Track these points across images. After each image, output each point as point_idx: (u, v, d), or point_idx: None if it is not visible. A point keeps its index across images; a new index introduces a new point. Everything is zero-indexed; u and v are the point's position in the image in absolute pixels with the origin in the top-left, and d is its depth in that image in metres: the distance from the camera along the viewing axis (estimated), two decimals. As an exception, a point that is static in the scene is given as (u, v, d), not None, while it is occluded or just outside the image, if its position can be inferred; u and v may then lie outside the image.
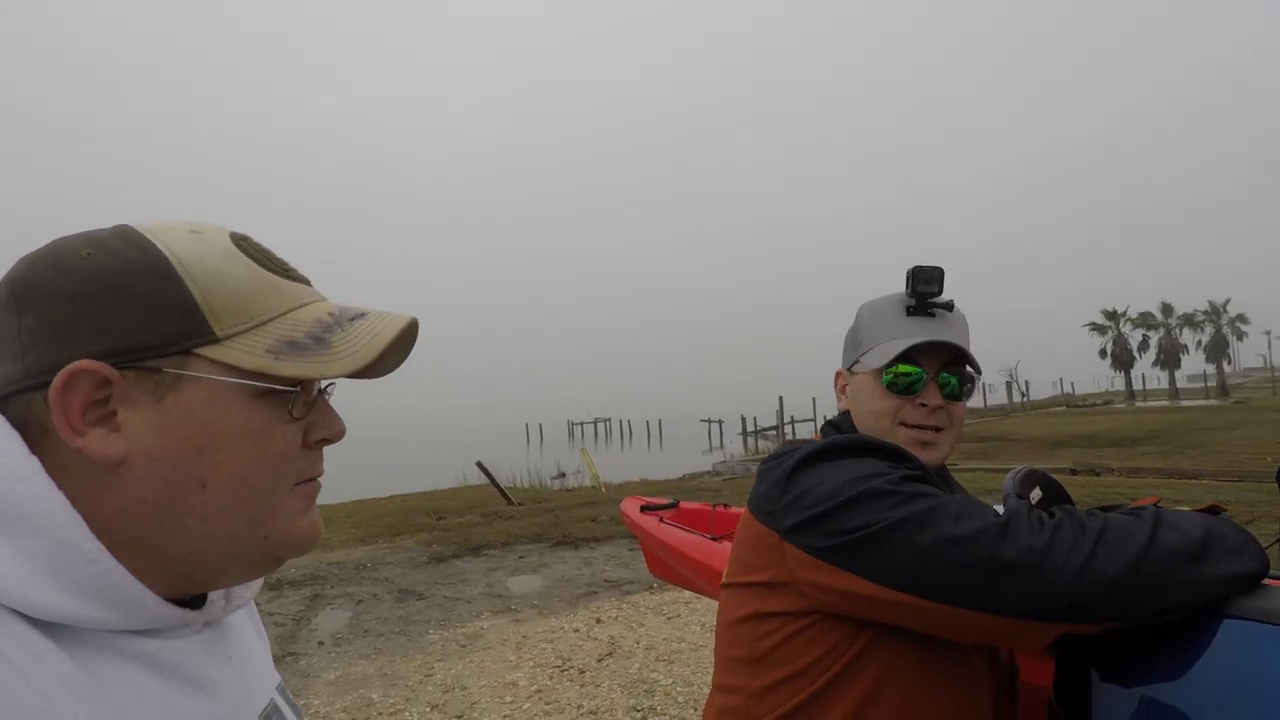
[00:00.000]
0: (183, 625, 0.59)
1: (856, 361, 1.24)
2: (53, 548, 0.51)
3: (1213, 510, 0.96)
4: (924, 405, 1.15)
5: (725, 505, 3.06)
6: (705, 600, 6.07)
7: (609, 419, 70.72)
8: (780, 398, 31.22)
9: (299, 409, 0.60)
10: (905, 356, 1.14)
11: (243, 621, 0.71)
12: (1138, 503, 0.98)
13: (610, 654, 5.09)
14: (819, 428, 1.34)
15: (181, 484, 0.56)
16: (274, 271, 0.62)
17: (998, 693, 1.09)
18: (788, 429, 33.41)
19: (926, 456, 1.15)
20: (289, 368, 0.57)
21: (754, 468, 19.03)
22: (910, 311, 1.18)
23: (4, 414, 0.55)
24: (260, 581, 0.69)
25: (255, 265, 0.61)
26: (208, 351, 0.56)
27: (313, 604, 6.56)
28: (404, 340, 0.65)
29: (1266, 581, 0.90)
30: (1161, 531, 0.86)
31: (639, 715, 4.12)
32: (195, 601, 0.61)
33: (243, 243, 0.62)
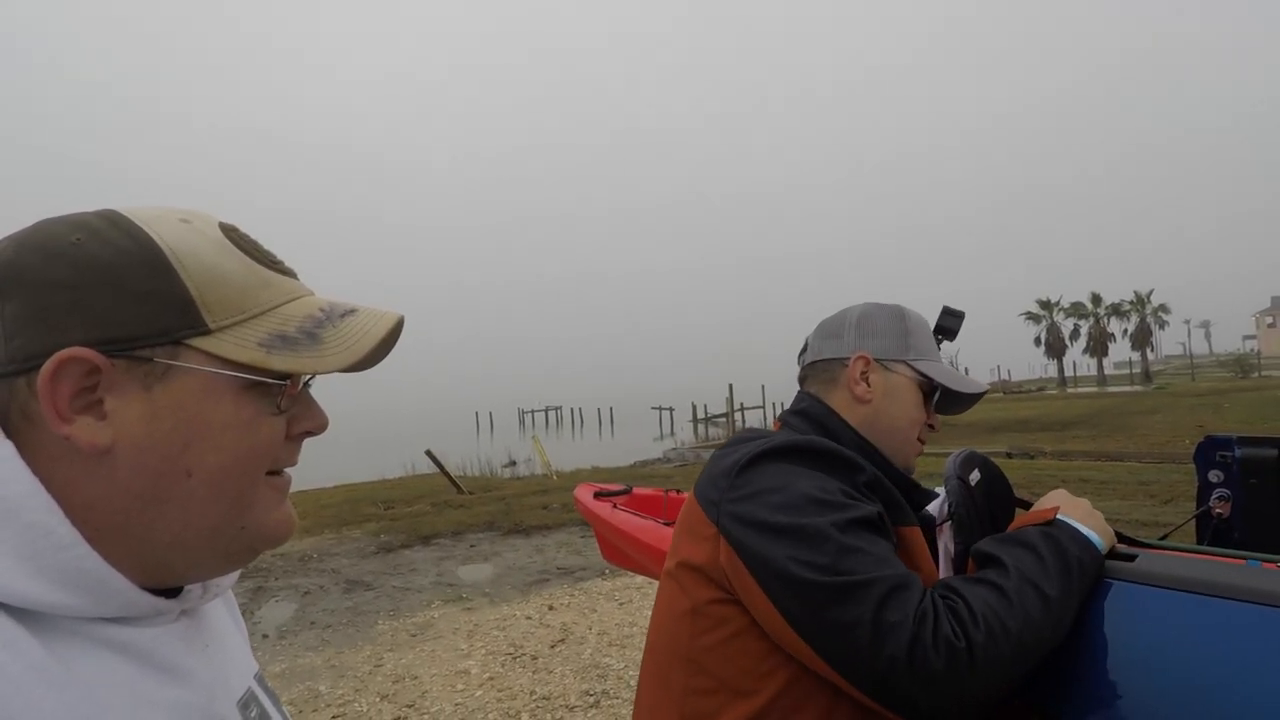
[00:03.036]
0: (158, 614, 0.58)
1: (903, 362, 1.22)
2: (24, 532, 0.51)
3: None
4: (931, 426, 1.27)
5: (677, 491, 3.10)
6: (657, 585, 6.14)
7: (560, 407, 70.48)
8: (730, 385, 31.56)
9: (285, 402, 0.61)
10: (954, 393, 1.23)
11: (220, 611, 0.71)
12: (1041, 512, 1.06)
13: (563, 640, 5.12)
14: (779, 415, 1.30)
15: (167, 474, 0.56)
16: (262, 264, 0.62)
17: None
18: (738, 416, 33.81)
19: (916, 460, 1.26)
20: (280, 361, 0.58)
21: (705, 454, 19.26)
22: (937, 339, 1.29)
23: None
24: (238, 572, 0.70)
25: (246, 258, 0.61)
26: (199, 343, 0.56)
27: (256, 596, 6.41)
28: (392, 337, 0.66)
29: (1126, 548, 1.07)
30: (1026, 608, 0.92)
31: (591, 699, 4.17)
32: (171, 590, 0.61)
33: (232, 233, 0.62)
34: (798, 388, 1.34)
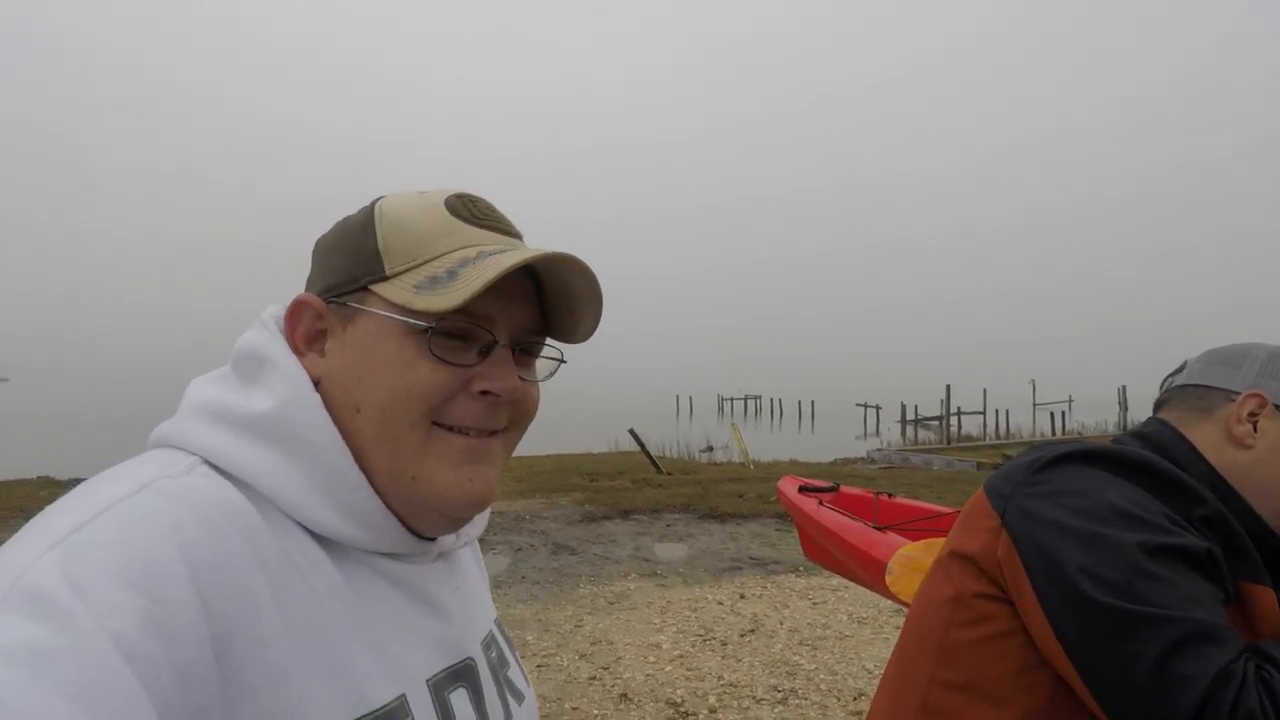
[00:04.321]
0: (421, 554, 0.65)
1: None
2: (326, 472, 0.59)
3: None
4: None
5: (889, 495, 2.95)
6: (854, 589, 5.91)
7: (759, 396, 69.97)
8: (947, 386, 29.41)
9: (438, 346, 0.60)
10: None
11: (468, 558, 0.78)
12: None
13: (753, 630, 5.11)
14: (1116, 438, 1.13)
15: (345, 407, 0.60)
16: (470, 222, 0.64)
17: None
18: (953, 421, 31.52)
19: None
20: (421, 301, 0.59)
21: (913, 459, 18.16)
22: None
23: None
24: (484, 522, 0.76)
25: (448, 215, 0.63)
26: (377, 288, 0.61)
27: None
28: (569, 287, 0.64)
29: None
30: None
31: (779, 695, 4.12)
32: (429, 535, 0.67)
33: (456, 199, 0.65)
34: (1134, 421, 1.12)
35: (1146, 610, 0.81)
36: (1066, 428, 35.10)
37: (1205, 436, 1.04)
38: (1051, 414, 36.59)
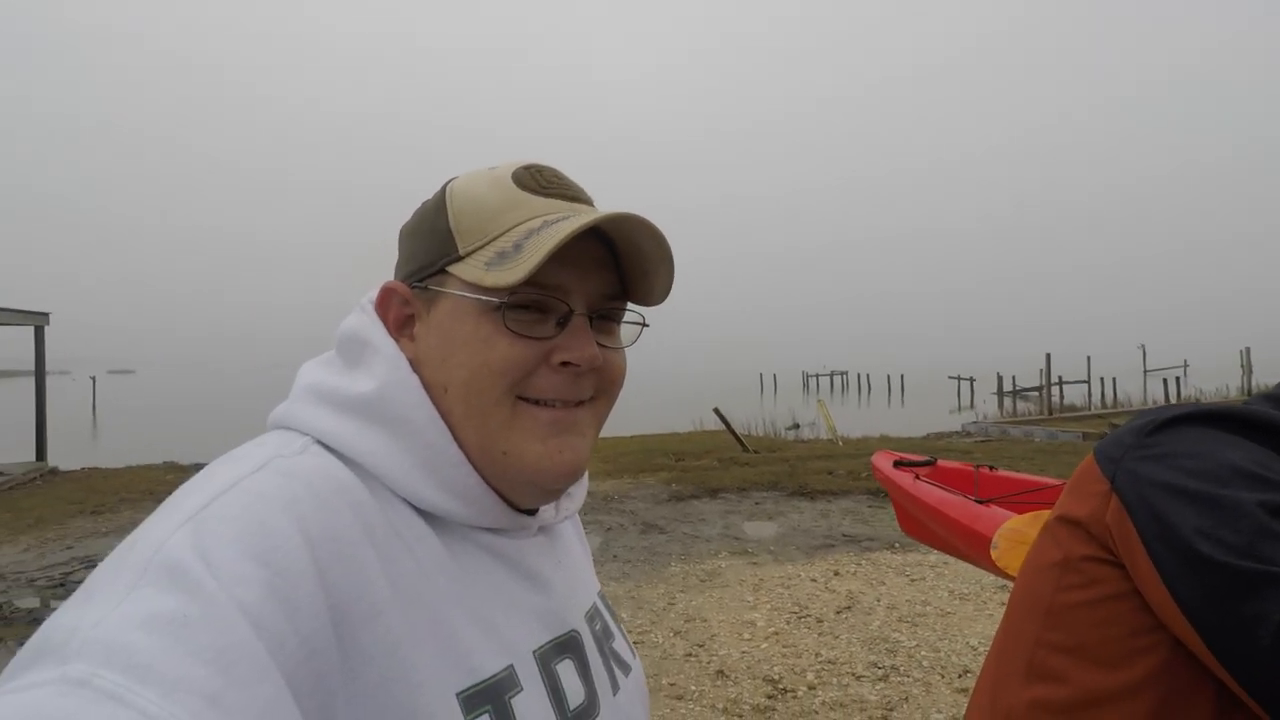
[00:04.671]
0: (521, 528, 0.66)
1: None
2: (427, 450, 0.60)
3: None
4: None
5: (990, 467, 2.82)
6: (954, 564, 5.73)
7: (845, 372, 68.44)
8: (1048, 355, 27.95)
9: (513, 320, 0.60)
10: None
11: (569, 532, 0.78)
12: None
13: (849, 608, 5.02)
14: (1247, 400, 1.08)
15: (435, 387, 0.61)
16: (537, 192, 0.63)
17: None
18: (1054, 391, 29.94)
19: None
20: (491, 277, 0.59)
21: (1012, 431, 17.37)
22: None
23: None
24: (582, 495, 0.76)
25: (515, 188, 0.63)
26: (454, 269, 0.61)
27: (568, 527, 7.24)
28: (640, 248, 0.62)
29: None
30: None
31: (880, 673, 4.03)
32: (530, 510, 0.68)
33: (523, 170, 0.65)
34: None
35: (1271, 570, 0.76)
36: (1182, 394, 32.84)
37: None
38: (1164, 380, 34.25)
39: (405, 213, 0.69)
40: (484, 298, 0.59)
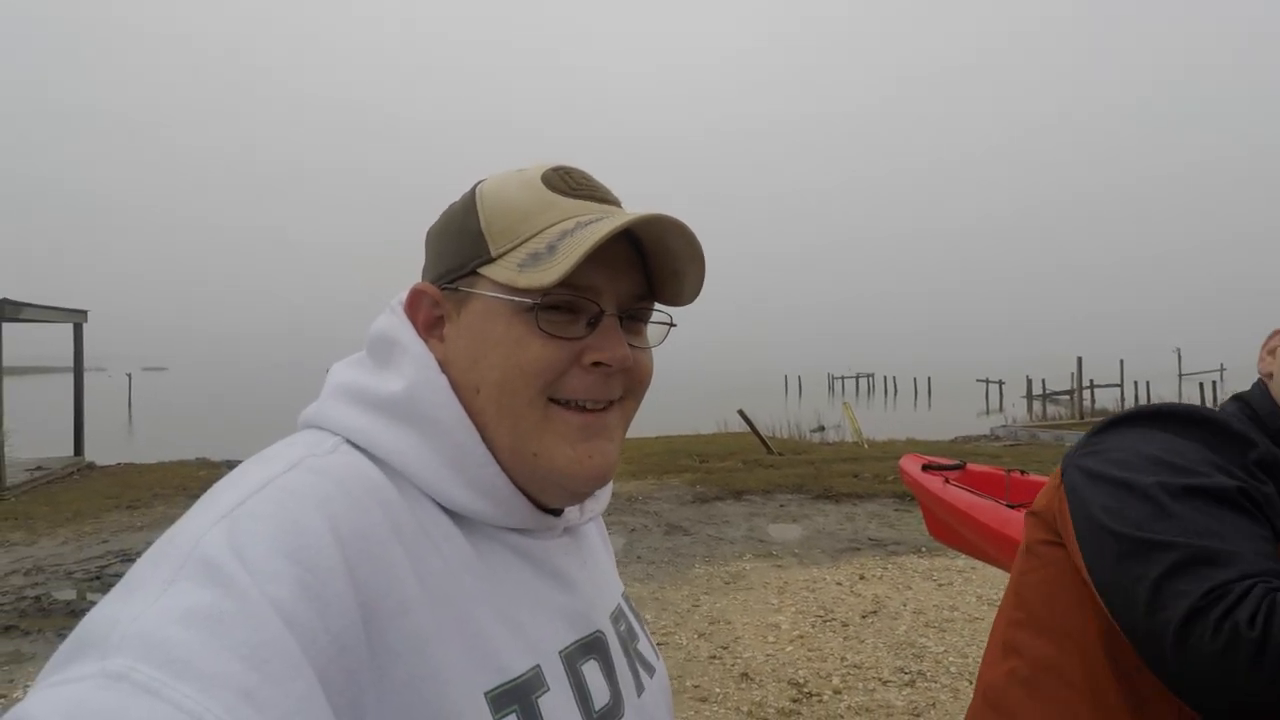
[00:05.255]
0: (546, 529, 0.66)
1: None
2: (454, 450, 0.60)
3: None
4: None
5: (1022, 471, 2.77)
6: (982, 569, 5.64)
7: (872, 374, 67.77)
8: (1079, 358, 27.46)
9: (547, 322, 0.60)
10: None
11: (593, 533, 0.78)
12: None
13: (875, 612, 4.97)
14: (1222, 403, 1.23)
15: (466, 388, 0.61)
16: (568, 194, 0.63)
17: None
18: (1085, 395, 29.37)
19: None
20: (525, 279, 0.59)
21: (1042, 435, 17.12)
22: None
23: None
24: (607, 497, 0.75)
25: (545, 190, 0.63)
26: (485, 270, 0.61)
27: (592, 527, 7.26)
28: (670, 249, 0.63)
29: None
30: None
31: (906, 678, 3.98)
32: (556, 510, 0.68)
33: (552, 172, 0.65)
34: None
35: (1154, 538, 0.90)
36: (1218, 398, 32.08)
37: None
38: (1200, 384, 33.47)
39: (436, 214, 0.69)
40: (517, 299, 0.60)
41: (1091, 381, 31.35)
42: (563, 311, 0.61)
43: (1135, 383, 32.21)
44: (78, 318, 14.33)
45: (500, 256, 0.61)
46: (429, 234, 0.69)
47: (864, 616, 4.89)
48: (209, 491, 0.53)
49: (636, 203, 0.68)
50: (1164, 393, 33.51)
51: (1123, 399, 32.00)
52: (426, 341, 0.64)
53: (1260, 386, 1.15)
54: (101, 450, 14.57)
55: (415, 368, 0.61)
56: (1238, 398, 1.17)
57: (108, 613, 0.43)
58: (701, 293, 0.67)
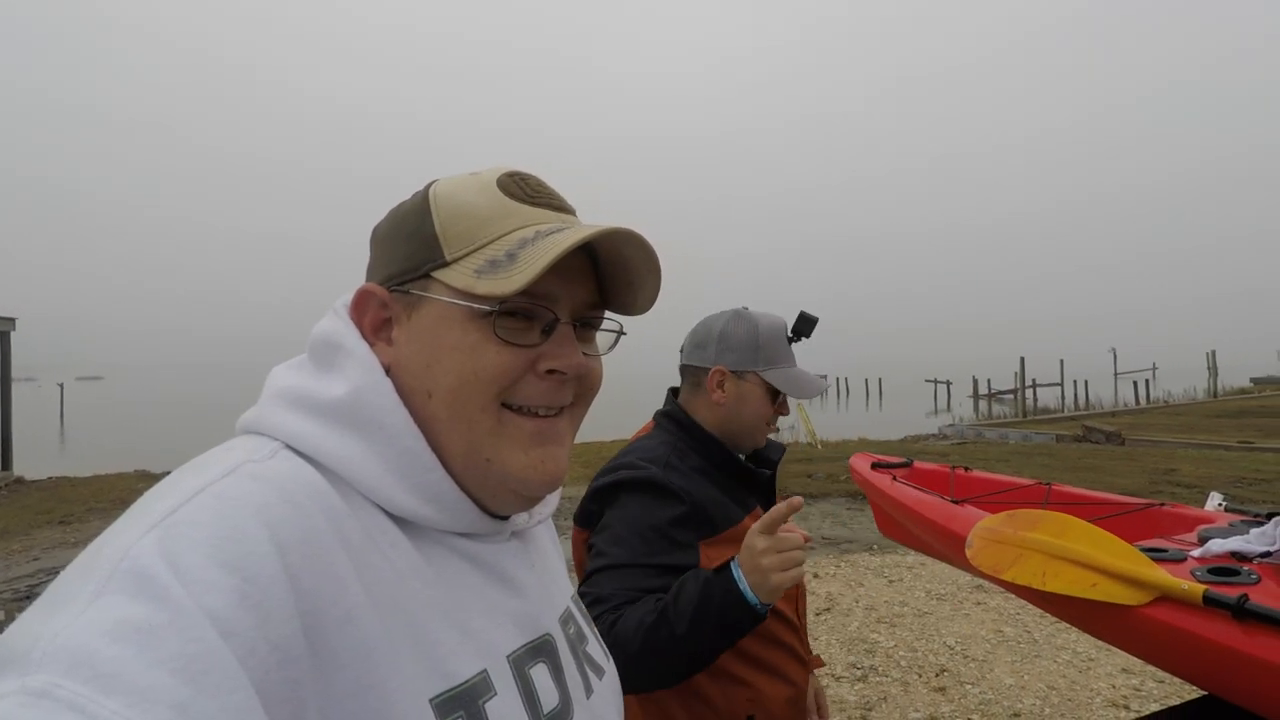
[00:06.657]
0: (495, 533, 0.66)
1: (753, 372, 1.49)
2: (400, 455, 0.59)
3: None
4: (780, 413, 1.55)
5: (966, 468, 2.85)
6: (931, 566, 5.79)
7: (824, 375, 68.76)
8: (1022, 359, 28.36)
9: (502, 329, 0.60)
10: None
11: (543, 536, 0.78)
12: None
13: (828, 609, 5.05)
14: (655, 414, 1.60)
15: (417, 393, 0.61)
16: (525, 201, 0.63)
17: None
18: (1028, 394, 30.33)
19: (765, 438, 1.56)
20: (483, 285, 0.58)
21: (988, 433, 17.67)
22: (790, 341, 1.55)
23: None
24: (555, 500, 0.75)
25: (502, 195, 0.63)
26: (439, 274, 0.61)
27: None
28: (626, 260, 0.64)
29: None
30: (649, 636, 1.15)
31: (859, 673, 4.06)
32: (501, 515, 0.67)
33: (508, 178, 0.65)
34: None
35: (610, 559, 1.28)
36: (1151, 396, 33.48)
37: (702, 404, 1.51)
38: (1135, 383, 34.89)
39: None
40: (474, 305, 0.59)
41: (1034, 381, 32.40)
42: (519, 319, 0.61)
43: (1075, 381, 33.38)
44: (4, 326, 13.68)
45: (455, 261, 0.61)
46: (375, 233, 0.67)
47: (817, 614, 4.96)
48: (140, 500, 0.52)
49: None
50: (1102, 391, 34.83)
51: (1063, 398, 33.14)
52: (373, 345, 0.63)
53: (679, 412, 1.52)
54: (31, 464, 13.93)
55: (360, 371, 0.60)
56: (668, 416, 1.53)
57: (29, 628, 0.41)
58: (655, 304, 0.68)
